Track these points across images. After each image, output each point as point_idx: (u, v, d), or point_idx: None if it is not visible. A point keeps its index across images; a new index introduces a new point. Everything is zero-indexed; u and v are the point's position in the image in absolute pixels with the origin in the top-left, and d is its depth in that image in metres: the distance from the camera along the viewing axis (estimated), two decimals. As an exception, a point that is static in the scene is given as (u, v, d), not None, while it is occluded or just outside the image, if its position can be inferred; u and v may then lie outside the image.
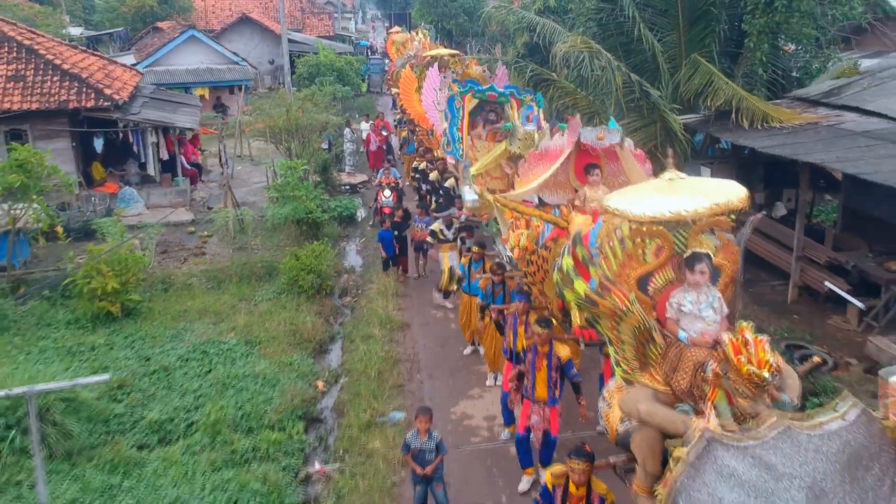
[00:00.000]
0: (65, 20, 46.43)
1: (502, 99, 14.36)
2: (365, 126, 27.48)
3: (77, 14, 53.48)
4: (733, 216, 6.33)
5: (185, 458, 9.84)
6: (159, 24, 44.80)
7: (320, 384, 12.36)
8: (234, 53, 38.54)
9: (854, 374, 11.47)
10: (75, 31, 46.41)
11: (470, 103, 14.51)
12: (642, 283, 6.40)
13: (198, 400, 11.26)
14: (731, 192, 6.05)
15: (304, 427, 10.94)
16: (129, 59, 34.42)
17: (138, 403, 11.18)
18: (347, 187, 24.86)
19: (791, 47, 19.48)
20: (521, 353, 9.16)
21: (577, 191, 9.46)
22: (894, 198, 11.55)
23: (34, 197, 15.09)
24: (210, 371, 12.21)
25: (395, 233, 16.27)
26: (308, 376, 12.35)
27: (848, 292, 13.12)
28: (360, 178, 26.07)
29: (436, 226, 14.85)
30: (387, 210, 17.56)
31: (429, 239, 15.26)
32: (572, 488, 6.97)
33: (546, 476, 7.46)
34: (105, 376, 7.70)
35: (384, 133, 26.14)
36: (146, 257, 15.37)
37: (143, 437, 10.44)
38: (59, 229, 15.89)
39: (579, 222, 8.67)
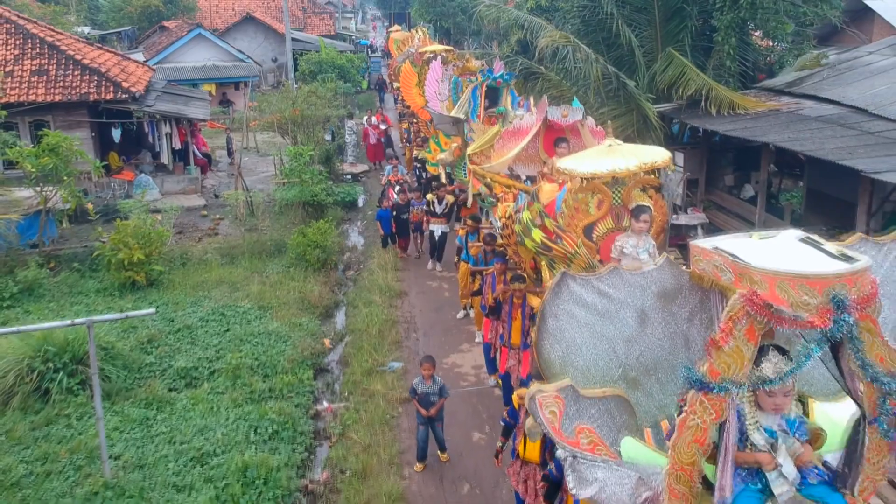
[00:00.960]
0: (74, 19, 47.81)
1: (504, 85, 15.61)
2: (364, 121, 28.87)
3: (83, 14, 54.79)
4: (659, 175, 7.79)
5: (211, 397, 11.28)
6: (165, 24, 46.26)
7: (326, 342, 13.81)
8: (240, 51, 39.93)
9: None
10: (82, 30, 47.79)
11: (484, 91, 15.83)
12: (588, 231, 7.90)
13: (219, 352, 12.70)
14: (657, 154, 7.55)
15: (313, 375, 12.38)
16: (138, 57, 35.75)
17: (166, 355, 12.62)
18: (349, 176, 26.29)
19: (768, 42, 21.04)
20: (497, 305, 10.56)
21: (545, 163, 10.91)
22: (846, 177, 12.89)
23: (64, 178, 16.49)
24: (228, 330, 13.64)
25: (394, 213, 17.63)
26: (316, 335, 13.80)
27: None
28: (361, 167, 27.53)
29: (430, 196, 16.35)
30: (416, 217, 17.66)
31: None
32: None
33: (514, 398, 8.86)
34: (151, 310, 9.16)
35: (382, 127, 27.57)
36: (167, 233, 16.78)
37: (172, 381, 11.87)
38: (90, 206, 17.34)
39: (547, 190, 10.10)
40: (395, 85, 29.60)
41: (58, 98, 21.50)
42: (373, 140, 27.57)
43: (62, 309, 14.49)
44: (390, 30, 46.83)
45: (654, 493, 4.14)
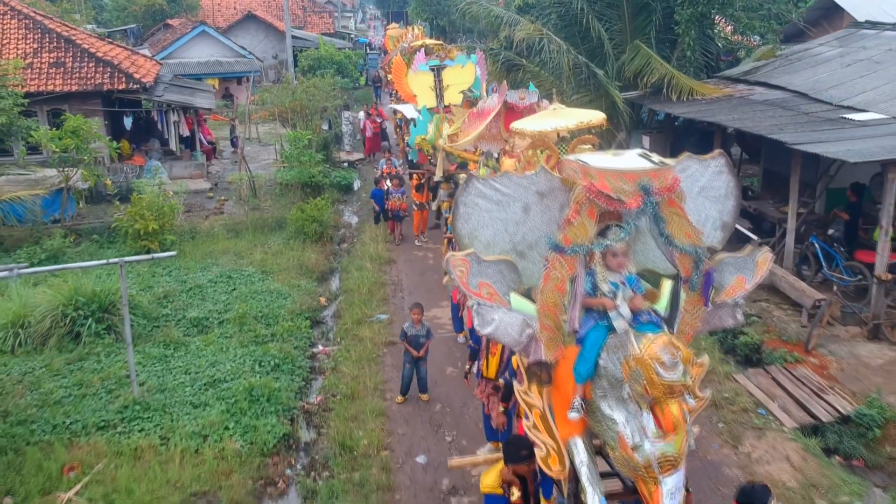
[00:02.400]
0: (79, 18, 49.45)
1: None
2: (362, 115, 30.59)
3: (90, 14, 56.42)
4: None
5: (220, 340, 12.97)
6: (169, 21, 47.95)
7: (322, 300, 15.52)
8: (242, 47, 41.60)
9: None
10: (88, 28, 49.41)
11: None
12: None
13: (226, 306, 14.38)
14: (593, 115, 9.19)
15: (310, 325, 14.08)
16: (144, 53, 37.48)
17: (180, 308, 14.30)
18: (346, 163, 27.98)
19: (738, 37, 22.90)
20: None
21: (507, 141, 12.53)
22: (790, 156, 14.42)
23: (84, 158, 18.17)
24: (234, 289, 15.32)
25: (387, 201, 19.11)
26: (313, 294, 15.51)
27: (749, 230, 16.21)
28: (356, 155, 29.26)
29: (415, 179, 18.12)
30: (402, 206, 18.92)
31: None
32: None
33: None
34: (173, 252, 10.85)
35: (378, 120, 29.28)
36: (179, 206, 18.47)
37: (186, 329, 13.54)
38: (108, 182, 19.03)
39: (508, 164, 11.73)
40: (389, 77, 31.29)
41: (74, 88, 23.13)
42: (369, 133, 29.22)
43: (85, 273, 16.12)
44: (388, 27, 48.47)
45: (534, 331, 5.81)
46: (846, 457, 9.95)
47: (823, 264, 13.99)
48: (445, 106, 16.72)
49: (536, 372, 5.94)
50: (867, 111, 14.52)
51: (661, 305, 5.91)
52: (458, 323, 13.18)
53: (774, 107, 15.97)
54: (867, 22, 20.16)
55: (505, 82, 13.60)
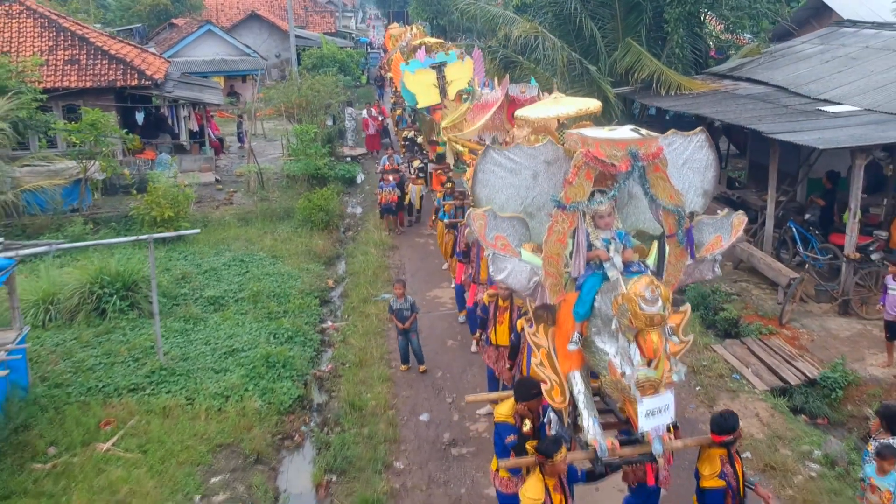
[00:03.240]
0: (84, 17, 50.37)
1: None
2: (364, 113, 31.43)
3: (94, 12, 57.32)
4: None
5: (236, 316, 13.92)
6: (174, 21, 48.92)
7: (330, 282, 16.49)
8: (247, 46, 42.55)
9: (727, 270, 15.49)
10: (95, 27, 50.30)
11: None
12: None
13: (240, 286, 15.33)
14: (591, 103, 10.10)
15: (318, 303, 15.05)
16: (151, 51, 38.43)
17: (197, 287, 15.26)
18: (349, 158, 28.94)
19: (729, 35, 23.93)
20: (468, 249, 12.98)
21: (508, 131, 13.46)
22: (781, 150, 15.32)
23: (103, 150, 19.13)
24: (247, 271, 16.27)
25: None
26: (321, 276, 16.48)
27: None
28: (359, 150, 30.23)
29: (416, 162, 19.03)
30: (392, 198, 19.49)
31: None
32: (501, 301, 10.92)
33: (485, 297, 11.32)
34: (196, 230, 11.79)
35: (380, 118, 30.18)
36: (192, 195, 19.43)
37: (203, 306, 14.48)
38: (126, 173, 20.00)
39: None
40: (389, 76, 32.22)
41: (89, 84, 24.06)
42: (371, 131, 30.12)
43: (105, 257, 17.07)
44: (389, 27, 49.43)
45: (540, 278, 6.74)
46: (812, 416, 10.93)
47: (800, 247, 14.95)
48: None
49: (542, 314, 6.94)
50: (841, 104, 15.49)
51: (650, 260, 6.85)
52: (461, 303, 14.14)
53: (756, 100, 16.93)
54: (847, 21, 21.15)
55: (507, 76, 14.51)
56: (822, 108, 15.41)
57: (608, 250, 6.52)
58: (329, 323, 14.34)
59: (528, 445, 7.00)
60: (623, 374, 6.08)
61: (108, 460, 9.43)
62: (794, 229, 15.21)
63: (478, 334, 11.20)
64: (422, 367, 12.38)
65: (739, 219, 7.13)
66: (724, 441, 6.74)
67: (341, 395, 11.50)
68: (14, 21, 25.30)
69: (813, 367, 11.61)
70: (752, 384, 11.39)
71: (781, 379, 11.47)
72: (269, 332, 13.12)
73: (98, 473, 9.12)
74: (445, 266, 17.11)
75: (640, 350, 5.98)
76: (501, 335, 10.23)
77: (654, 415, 6.12)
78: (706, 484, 6.74)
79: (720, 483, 6.69)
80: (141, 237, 11.59)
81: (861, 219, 13.51)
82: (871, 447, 7.77)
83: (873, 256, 13.75)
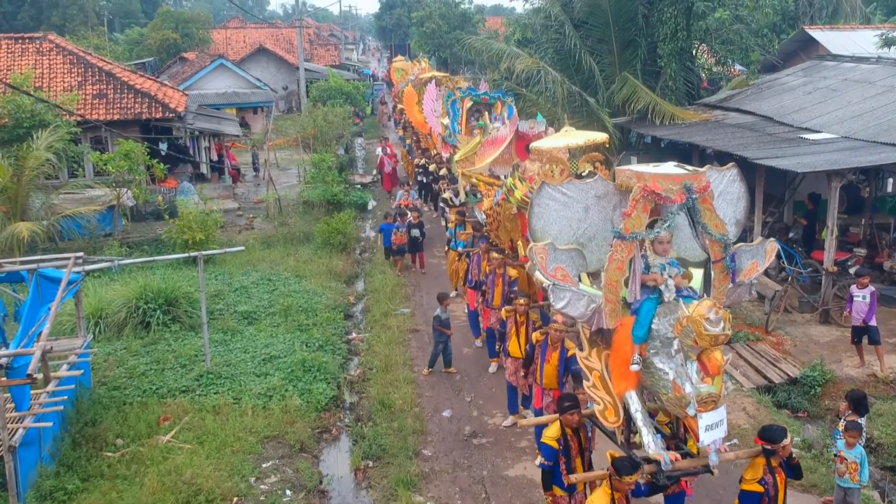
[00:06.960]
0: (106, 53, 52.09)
1: (493, 100, 19.21)
2: (379, 151, 31.05)
3: (111, 48, 59.05)
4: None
5: (269, 328, 15.22)
6: (185, 55, 50.68)
7: (350, 298, 17.81)
8: (257, 79, 44.19)
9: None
10: (110, 61, 51.97)
11: (466, 105, 19.59)
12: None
13: (270, 302, 16.64)
14: (597, 135, 11.53)
15: (343, 317, 16.35)
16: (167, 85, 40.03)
17: (231, 303, 16.56)
18: (359, 185, 30.37)
19: (721, 67, 25.45)
20: (484, 279, 13.94)
21: (517, 166, 14.72)
22: (769, 175, 16.57)
23: (137, 178, 20.53)
24: (275, 289, 17.59)
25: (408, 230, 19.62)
26: (343, 293, 17.80)
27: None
28: (368, 178, 31.69)
29: (447, 194, 20.08)
30: (399, 239, 19.27)
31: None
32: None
33: (502, 312, 12.35)
34: (241, 248, 13.13)
35: (396, 155, 30.70)
36: (221, 219, 20.78)
37: (237, 320, 15.77)
38: (160, 199, 21.37)
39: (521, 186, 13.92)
40: (400, 107, 33.63)
41: (116, 117, 25.50)
42: (388, 169, 29.57)
43: (147, 276, 18.36)
44: (393, 60, 51.16)
45: (597, 306, 7.15)
46: (793, 410, 12.20)
47: (785, 262, 16.28)
48: None
49: (596, 339, 7.45)
50: (821, 132, 16.91)
51: (696, 284, 7.56)
52: (476, 328, 14.95)
53: (744, 129, 18.38)
54: (829, 55, 22.69)
55: (516, 113, 15.85)
56: (804, 136, 16.83)
57: (664, 275, 7.00)
58: (354, 334, 15.65)
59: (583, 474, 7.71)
60: (684, 390, 6.53)
61: (170, 450, 10.66)
62: (779, 247, 16.52)
63: (498, 346, 12.53)
64: (451, 369, 13.62)
65: (772, 245, 7.60)
66: (764, 448, 7.24)
67: (371, 395, 12.79)
68: (45, 58, 26.87)
69: (795, 367, 12.91)
70: (739, 383, 12.66)
71: (766, 378, 12.75)
72: (302, 341, 14.41)
73: (164, 460, 10.35)
74: (453, 294, 17.98)
75: (703, 368, 6.49)
76: (518, 347, 11.30)
77: (711, 428, 6.58)
78: (745, 487, 7.27)
79: (758, 488, 7.17)
80: (192, 254, 12.92)
81: (840, 237, 14.86)
82: (841, 426, 9.08)
83: (851, 270, 15.10)
